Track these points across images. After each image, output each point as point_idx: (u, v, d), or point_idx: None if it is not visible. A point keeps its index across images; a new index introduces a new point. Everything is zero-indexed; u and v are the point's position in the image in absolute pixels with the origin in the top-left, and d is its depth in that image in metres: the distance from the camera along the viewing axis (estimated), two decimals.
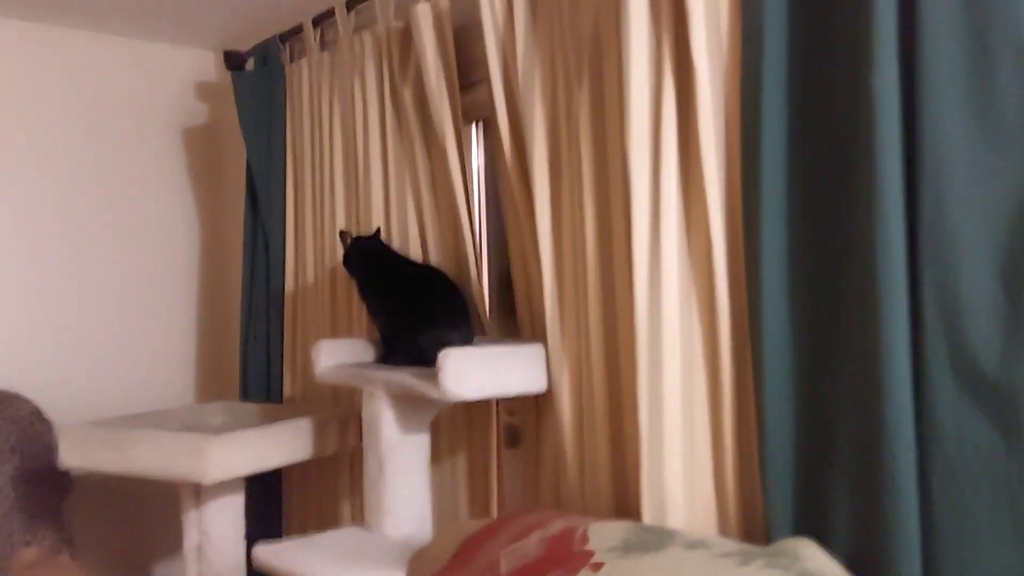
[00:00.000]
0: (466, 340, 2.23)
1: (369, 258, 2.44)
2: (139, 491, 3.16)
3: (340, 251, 2.55)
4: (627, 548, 1.53)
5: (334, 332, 2.78)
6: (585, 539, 1.59)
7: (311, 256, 2.87)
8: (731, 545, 1.51)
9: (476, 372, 1.98)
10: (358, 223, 2.71)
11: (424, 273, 2.36)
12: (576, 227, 2.03)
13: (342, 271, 2.70)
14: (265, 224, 2.99)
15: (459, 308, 2.28)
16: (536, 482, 2.23)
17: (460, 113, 2.39)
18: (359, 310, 2.68)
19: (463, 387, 1.95)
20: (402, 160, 2.59)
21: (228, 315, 3.48)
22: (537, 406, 2.22)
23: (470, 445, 2.43)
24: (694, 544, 1.51)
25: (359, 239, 2.48)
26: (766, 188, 1.63)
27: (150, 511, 3.23)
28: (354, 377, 2.23)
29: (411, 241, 2.56)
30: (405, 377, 2.06)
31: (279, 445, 2.39)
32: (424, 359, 2.19)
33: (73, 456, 2.38)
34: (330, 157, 2.80)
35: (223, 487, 2.43)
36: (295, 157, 2.95)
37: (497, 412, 2.38)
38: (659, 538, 1.55)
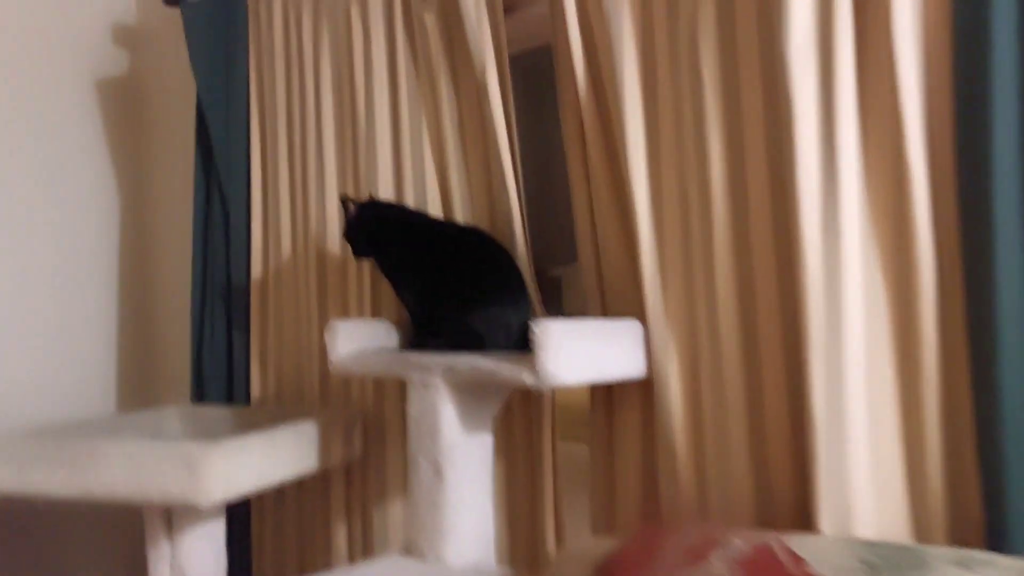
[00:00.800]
0: (526, 318, 1.82)
1: (388, 224, 1.98)
2: (62, 520, 2.56)
3: (340, 222, 2.08)
4: (874, 569, 1.17)
5: (322, 321, 2.30)
6: (799, 560, 1.22)
7: (287, 228, 2.37)
8: (1011, 562, 1.17)
9: (580, 352, 1.58)
10: (356, 185, 2.23)
11: (466, 236, 1.92)
12: (686, 172, 1.66)
13: (334, 246, 2.23)
14: (224, 193, 2.46)
15: (515, 278, 1.86)
16: (612, 488, 1.84)
17: (505, 41, 1.97)
18: (361, 292, 2.21)
19: (566, 370, 1.54)
20: (418, 105, 2.14)
21: (156, 301, 2.90)
22: (610, 396, 1.83)
23: (509, 444, 2.01)
24: (964, 561, 1.16)
25: (369, 203, 2.02)
26: (998, 117, 1.30)
27: (80, 545, 2.62)
28: (394, 364, 1.78)
29: (428, 206, 2.12)
30: (480, 361, 1.63)
31: (286, 455, 1.90)
32: (476, 342, 1.78)
33: (3, 476, 1.82)
34: (315, 104, 2.31)
35: (202, 512, 1.92)
36: (262, 106, 2.44)
37: (553, 402, 1.97)
38: (906, 556, 1.20)
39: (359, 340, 1.93)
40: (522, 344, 1.78)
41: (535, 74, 2.03)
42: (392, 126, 2.17)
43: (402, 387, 2.17)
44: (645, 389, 1.75)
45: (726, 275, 1.60)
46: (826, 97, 1.44)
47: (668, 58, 1.69)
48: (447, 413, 1.70)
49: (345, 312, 2.26)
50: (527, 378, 1.54)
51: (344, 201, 2.01)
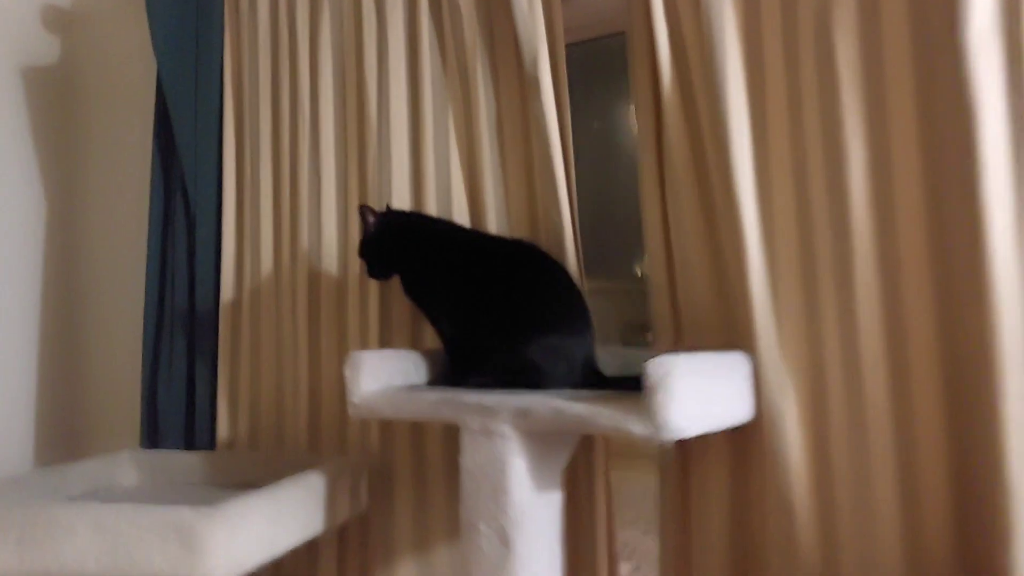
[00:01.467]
0: (590, 349, 1.53)
1: (419, 238, 1.67)
2: None
3: (359, 234, 1.75)
4: None
5: (312, 351, 1.95)
6: None
7: (268, 242, 2.02)
8: None
9: (701, 394, 1.30)
10: (363, 193, 1.90)
11: (517, 252, 1.62)
12: (809, 178, 1.41)
13: (331, 263, 1.89)
14: (189, 198, 2.08)
15: (577, 301, 1.57)
16: (687, 553, 1.56)
17: (562, 29, 1.69)
18: (364, 319, 1.88)
19: (688, 418, 1.26)
20: (444, 100, 1.82)
21: (89, 325, 2.46)
22: (686, 441, 1.56)
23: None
24: None
25: (392, 213, 1.70)
26: None
27: None
28: (442, 407, 1.45)
29: (454, 218, 1.81)
30: (562, 404, 1.32)
31: (294, 516, 1.54)
32: (531, 377, 1.48)
33: None
34: (311, 96, 1.97)
35: None
36: (240, 97, 2.08)
37: (606, 450, 1.67)
38: None
39: (386, 376, 1.59)
40: (588, 380, 1.49)
41: (573, 67, 1.75)
42: (411, 125, 1.85)
43: (417, 430, 1.83)
44: (740, 434, 1.47)
45: (868, 299, 1.35)
46: (1015, 87, 1.22)
47: (782, 44, 1.45)
48: (517, 468, 1.38)
49: (341, 342, 1.91)
50: (636, 428, 1.24)
51: (364, 211, 1.68)
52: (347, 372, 1.55)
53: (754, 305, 1.43)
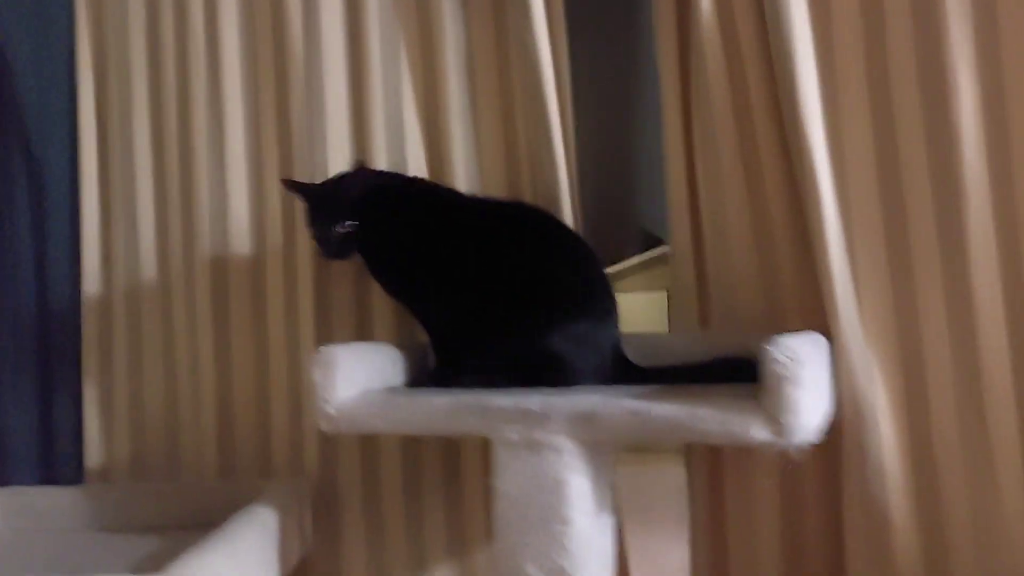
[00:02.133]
0: (617, 335, 1.26)
1: (392, 203, 1.31)
2: None
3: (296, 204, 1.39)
4: None
5: (221, 355, 1.53)
6: None
7: (147, 216, 1.57)
8: None
9: (822, 387, 1.05)
10: (283, 153, 1.51)
11: (522, 218, 1.31)
12: (896, 119, 1.20)
13: (241, 243, 1.50)
14: (32, 158, 1.59)
15: (600, 278, 1.28)
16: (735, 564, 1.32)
17: None
18: (292, 308, 1.49)
19: (816, 417, 1.01)
20: (394, 29, 1.47)
21: None
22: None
23: None
24: None
25: (365, 172, 1.33)
26: None
27: None
28: (463, 413, 1.12)
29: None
30: (650, 407, 1.03)
31: (251, 567, 1.15)
32: (557, 373, 1.19)
33: None
34: (205, 15, 1.53)
35: None
36: (99, 22, 1.60)
37: None
38: None
39: (363, 377, 1.23)
40: (620, 373, 1.22)
41: None
42: (349, 52, 1.48)
43: (367, 443, 1.47)
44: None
45: (984, 264, 1.15)
46: None
47: None
48: (577, 489, 1.08)
49: (259, 338, 1.51)
50: (758, 434, 0.97)
51: (289, 185, 1.32)
52: (317, 374, 1.18)
53: (832, 276, 1.19)
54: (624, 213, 1.65)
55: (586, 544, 1.08)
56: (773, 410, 0.97)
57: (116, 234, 1.58)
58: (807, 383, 0.97)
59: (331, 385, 1.17)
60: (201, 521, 1.36)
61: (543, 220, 1.30)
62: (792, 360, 0.96)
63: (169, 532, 1.36)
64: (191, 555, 1.03)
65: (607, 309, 1.25)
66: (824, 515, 1.26)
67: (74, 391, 1.58)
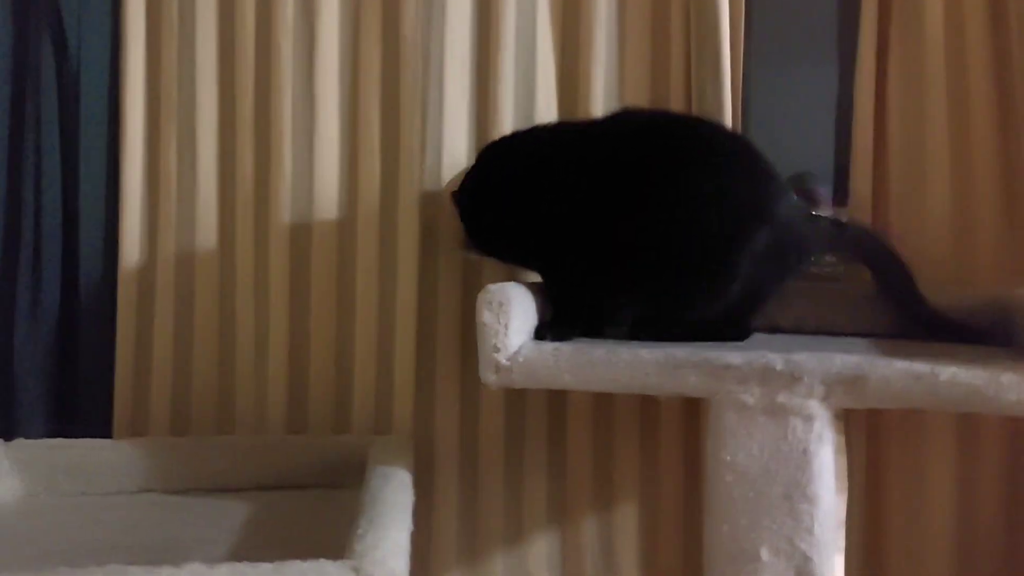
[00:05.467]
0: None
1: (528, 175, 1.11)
2: None
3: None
4: None
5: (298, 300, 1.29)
6: None
7: (209, 188, 1.30)
8: None
9: None
10: (389, 104, 1.28)
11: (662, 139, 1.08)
12: None
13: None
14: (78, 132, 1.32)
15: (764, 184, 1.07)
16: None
17: None
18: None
19: None
20: None
21: None
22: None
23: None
24: None
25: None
26: None
27: None
28: (685, 371, 0.93)
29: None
30: (936, 370, 0.87)
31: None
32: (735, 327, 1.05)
33: None
34: None
35: None
36: None
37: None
38: None
39: (529, 323, 1.03)
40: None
41: None
42: None
43: (469, 401, 1.27)
44: None
45: None
46: None
47: None
48: (828, 464, 0.91)
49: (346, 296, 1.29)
50: None
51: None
52: (485, 316, 0.97)
53: None
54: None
55: (831, 526, 0.92)
56: None
57: (163, 200, 1.29)
58: None
59: (504, 330, 0.96)
60: (286, 482, 1.13)
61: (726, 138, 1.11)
62: None
63: (248, 494, 1.12)
64: (368, 528, 0.81)
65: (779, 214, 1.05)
66: (1007, 507, 1.15)
67: (101, 339, 1.30)
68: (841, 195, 1.28)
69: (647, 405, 1.25)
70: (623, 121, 1.12)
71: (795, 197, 1.04)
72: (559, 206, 1.07)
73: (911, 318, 1.06)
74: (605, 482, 1.28)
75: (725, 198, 1.01)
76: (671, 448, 1.25)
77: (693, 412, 1.24)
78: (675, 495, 1.25)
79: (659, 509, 1.27)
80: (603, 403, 1.27)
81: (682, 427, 1.25)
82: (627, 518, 1.28)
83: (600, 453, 1.28)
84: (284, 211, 1.26)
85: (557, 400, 1.28)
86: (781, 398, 0.90)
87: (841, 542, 1.18)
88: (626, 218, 1.03)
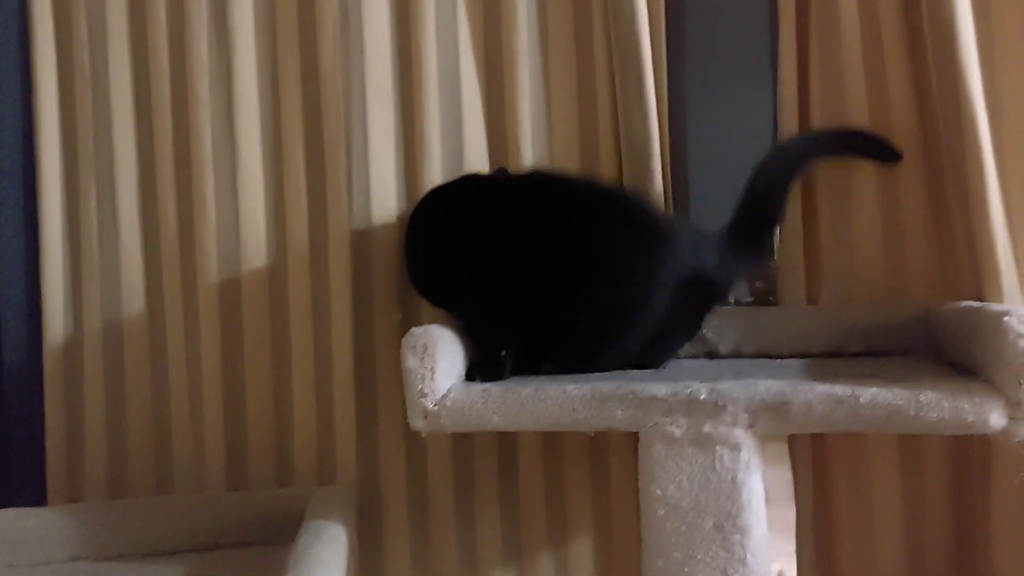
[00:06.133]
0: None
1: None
2: None
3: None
4: None
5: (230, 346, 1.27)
6: None
7: (134, 235, 1.29)
8: None
9: None
10: (312, 141, 1.26)
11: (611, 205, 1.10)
12: None
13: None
14: None
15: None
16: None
17: None
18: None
19: None
20: None
21: None
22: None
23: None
24: None
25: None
26: None
27: None
28: (610, 405, 0.92)
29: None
30: (856, 392, 0.87)
31: None
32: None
33: None
34: None
35: None
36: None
37: None
38: None
39: (458, 365, 1.02)
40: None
41: None
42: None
43: (414, 445, 1.26)
44: None
45: None
46: None
47: None
48: (757, 492, 0.90)
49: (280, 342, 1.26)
50: (997, 422, 0.83)
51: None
52: (410, 361, 0.95)
53: (994, 241, 1.06)
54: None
55: (763, 555, 0.91)
56: (1015, 392, 0.82)
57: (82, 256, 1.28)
58: None
59: (430, 374, 0.95)
60: (225, 541, 1.11)
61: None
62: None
63: (185, 556, 1.10)
64: None
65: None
66: (956, 517, 1.14)
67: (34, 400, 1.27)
68: None
69: (597, 438, 1.24)
70: (536, 181, 1.15)
71: (699, 237, 1.08)
72: (477, 257, 1.09)
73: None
74: (558, 518, 1.26)
75: (619, 253, 1.04)
76: (622, 480, 1.23)
77: None
78: (628, 527, 1.23)
79: (613, 542, 1.25)
80: (552, 438, 1.25)
81: (632, 458, 1.23)
82: (582, 554, 1.26)
83: (552, 489, 1.26)
84: (211, 259, 1.24)
85: (506, 437, 1.26)
86: (707, 428, 0.89)
87: (793, 558, 1.18)
88: (530, 275, 1.06)
